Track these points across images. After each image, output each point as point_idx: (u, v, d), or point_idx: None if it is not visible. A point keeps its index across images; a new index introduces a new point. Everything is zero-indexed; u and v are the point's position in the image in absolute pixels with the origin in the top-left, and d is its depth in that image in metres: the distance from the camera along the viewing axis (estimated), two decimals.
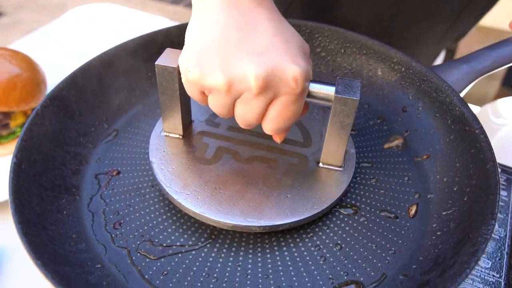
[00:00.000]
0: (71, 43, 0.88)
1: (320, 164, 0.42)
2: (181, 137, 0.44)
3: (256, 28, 0.33)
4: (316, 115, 0.47)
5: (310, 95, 0.36)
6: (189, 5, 2.63)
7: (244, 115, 0.35)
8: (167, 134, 0.44)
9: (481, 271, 0.41)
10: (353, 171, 0.41)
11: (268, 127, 0.36)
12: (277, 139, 0.40)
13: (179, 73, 0.38)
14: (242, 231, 0.38)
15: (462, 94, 0.48)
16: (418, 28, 0.73)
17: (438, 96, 0.46)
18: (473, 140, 0.41)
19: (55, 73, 0.72)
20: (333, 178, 0.41)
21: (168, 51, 0.39)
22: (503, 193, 0.48)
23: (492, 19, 1.51)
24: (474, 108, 0.71)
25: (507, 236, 0.44)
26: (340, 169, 0.41)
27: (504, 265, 0.42)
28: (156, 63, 0.38)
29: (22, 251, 0.48)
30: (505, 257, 0.43)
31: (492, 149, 0.39)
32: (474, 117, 0.42)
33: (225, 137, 0.44)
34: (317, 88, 0.36)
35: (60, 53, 0.84)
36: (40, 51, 0.83)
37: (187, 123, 0.45)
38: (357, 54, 0.53)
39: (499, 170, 0.50)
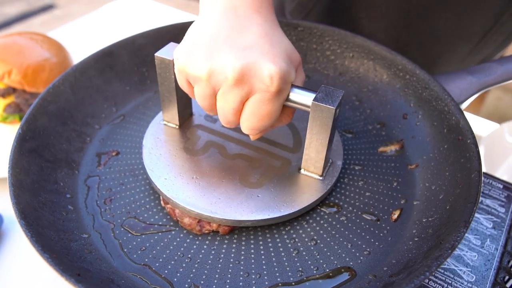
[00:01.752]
0: (104, 34, 0.92)
1: (302, 171, 0.42)
2: (177, 127, 0.46)
3: (246, 29, 0.36)
4: None
5: (289, 99, 0.37)
6: None
7: (223, 109, 0.36)
8: (166, 123, 0.47)
9: (464, 284, 0.41)
10: (333, 182, 0.41)
11: (244, 125, 0.37)
12: (250, 136, 0.40)
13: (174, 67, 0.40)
14: (206, 220, 0.39)
15: (464, 105, 0.47)
16: (438, 47, 0.72)
17: (437, 104, 0.45)
18: (464, 149, 0.40)
19: None
20: (309, 185, 0.41)
21: (170, 45, 0.42)
22: (500, 209, 0.47)
23: None
24: (494, 126, 0.69)
25: (497, 253, 0.43)
26: (320, 178, 0.41)
27: (489, 282, 0.41)
28: (155, 54, 0.41)
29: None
30: (492, 273, 0.42)
31: (480, 160, 0.38)
32: (469, 127, 0.41)
33: (218, 133, 0.46)
34: (296, 93, 0.37)
35: (92, 43, 0.88)
36: (74, 40, 0.88)
37: (186, 115, 0.47)
38: (365, 59, 0.53)
39: (501, 186, 0.49)
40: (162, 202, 0.41)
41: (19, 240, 0.50)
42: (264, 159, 0.43)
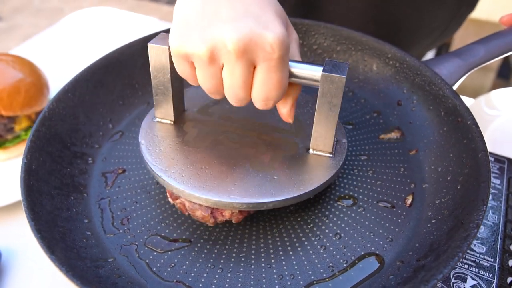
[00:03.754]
0: (70, 47, 0.89)
1: (310, 151, 0.42)
2: (172, 123, 0.44)
3: None
4: (310, 109, 0.48)
5: (297, 76, 0.36)
6: None
7: (232, 85, 0.35)
8: (159, 120, 0.45)
9: (476, 256, 0.43)
10: (344, 159, 0.41)
11: (257, 98, 0.36)
12: (288, 118, 0.39)
13: (170, 55, 0.38)
14: (224, 208, 0.38)
15: (455, 87, 0.49)
16: (403, 38, 0.76)
17: (431, 89, 0.47)
18: (465, 130, 0.42)
19: (56, 77, 0.73)
20: (322, 163, 0.41)
21: (161, 35, 0.40)
22: (496, 181, 0.50)
23: (487, 12, 1.53)
24: (469, 100, 0.73)
25: (501, 222, 0.46)
26: (330, 155, 0.41)
27: (498, 250, 0.43)
28: (148, 44, 0.39)
29: (31, 251, 0.50)
30: (499, 242, 0.44)
31: (484, 139, 0.40)
32: (466, 108, 0.43)
33: (217, 125, 0.45)
34: (303, 69, 0.36)
35: (60, 57, 0.85)
36: (41, 56, 0.85)
37: (179, 111, 0.45)
38: (353, 51, 0.55)
39: (492, 159, 0.52)
40: (170, 199, 0.40)
41: (19, 274, 0.48)
42: (270, 144, 0.42)
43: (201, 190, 0.37)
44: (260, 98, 0.36)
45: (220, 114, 0.46)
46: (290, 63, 0.36)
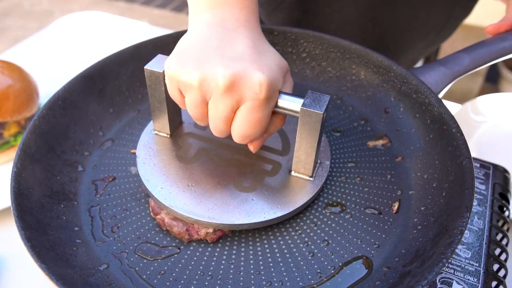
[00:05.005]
0: (60, 52, 0.89)
1: (292, 173, 0.43)
2: (168, 136, 0.47)
3: (234, 40, 0.37)
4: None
5: (278, 106, 0.38)
6: (175, 9, 2.64)
7: (214, 117, 0.37)
8: (157, 132, 0.47)
9: (462, 261, 0.44)
10: (323, 182, 0.43)
11: (236, 134, 0.38)
12: (251, 147, 0.42)
13: (165, 78, 0.41)
14: (204, 226, 0.40)
15: (440, 95, 0.50)
16: (400, 40, 0.77)
17: (417, 97, 0.48)
18: (450, 138, 0.43)
19: (45, 82, 0.73)
20: (300, 187, 0.42)
21: (158, 57, 0.42)
22: (481, 187, 0.51)
23: (475, 17, 1.55)
24: (456, 106, 0.74)
25: (486, 228, 0.47)
26: (310, 179, 0.43)
27: (483, 255, 0.44)
28: (145, 67, 0.41)
29: (20, 258, 0.50)
30: (484, 247, 0.45)
31: (468, 147, 0.41)
32: (451, 116, 0.44)
33: (209, 140, 0.47)
34: (285, 100, 0.38)
35: (50, 62, 0.85)
36: (30, 60, 0.85)
37: (176, 124, 0.47)
38: (341, 59, 0.56)
39: (478, 165, 0.53)
40: (152, 213, 0.42)
41: (9, 282, 0.48)
42: (255, 164, 0.44)
43: (184, 208, 0.40)
44: (238, 134, 0.38)
45: None
46: (280, 94, 0.38)
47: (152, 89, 0.43)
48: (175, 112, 0.46)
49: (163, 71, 0.40)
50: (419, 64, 0.95)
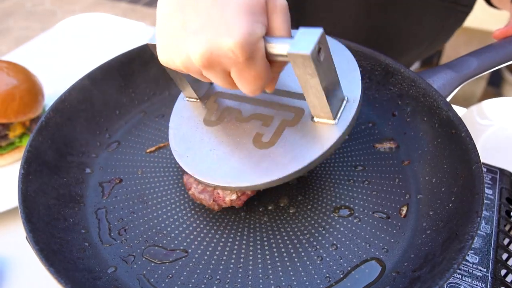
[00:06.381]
0: (64, 53, 0.89)
1: (314, 119, 0.39)
2: (198, 100, 0.46)
3: (195, 6, 0.34)
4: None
5: (269, 54, 0.34)
6: None
7: (217, 83, 0.36)
8: (188, 99, 0.46)
9: (469, 266, 0.43)
10: (346, 126, 0.37)
11: (244, 90, 0.36)
12: (267, 90, 0.39)
13: None
14: (226, 191, 0.40)
15: (448, 99, 0.50)
16: (395, 47, 0.78)
17: (425, 100, 0.48)
18: (459, 142, 0.43)
19: (51, 83, 0.73)
20: (321, 134, 0.38)
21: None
22: (488, 191, 0.51)
23: (478, 20, 1.55)
24: (461, 110, 0.74)
25: (493, 233, 0.47)
26: (333, 122, 0.37)
27: (491, 260, 0.44)
28: (147, 43, 0.40)
29: (24, 259, 0.50)
30: (492, 252, 0.45)
31: (477, 151, 0.41)
32: (460, 120, 0.44)
33: (235, 96, 0.44)
34: (271, 46, 0.33)
35: (54, 63, 0.85)
36: (35, 62, 0.84)
37: (205, 86, 0.46)
38: None
39: (485, 169, 0.53)
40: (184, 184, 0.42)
41: (15, 283, 0.48)
42: (277, 114, 0.41)
43: (203, 174, 0.39)
44: (245, 91, 0.36)
45: None
46: (266, 39, 0.33)
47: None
48: (195, 78, 0.42)
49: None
50: (415, 66, 0.95)
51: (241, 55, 0.32)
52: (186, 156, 0.41)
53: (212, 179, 0.39)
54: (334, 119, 0.38)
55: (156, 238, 0.41)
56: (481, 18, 1.49)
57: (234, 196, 0.40)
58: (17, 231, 0.53)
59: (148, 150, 0.49)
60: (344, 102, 0.39)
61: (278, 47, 0.33)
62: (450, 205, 0.40)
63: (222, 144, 0.41)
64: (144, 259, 0.39)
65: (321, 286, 0.37)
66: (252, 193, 0.41)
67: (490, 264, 0.44)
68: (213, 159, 0.40)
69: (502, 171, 0.53)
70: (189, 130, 0.43)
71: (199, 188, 0.41)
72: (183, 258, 0.39)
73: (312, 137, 0.38)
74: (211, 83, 0.47)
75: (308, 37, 0.32)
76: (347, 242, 0.40)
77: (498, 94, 1.75)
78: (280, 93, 0.43)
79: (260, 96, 0.43)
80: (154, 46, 0.39)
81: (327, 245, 0.40)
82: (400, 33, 0.75)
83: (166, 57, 0.36)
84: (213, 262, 0.39)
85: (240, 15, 0.32)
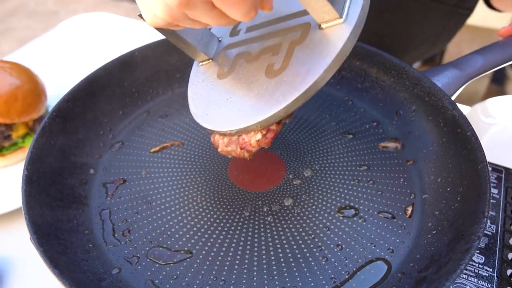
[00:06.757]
0: (67, 53, 0.89)
1: (322, 25, 0.35)
2: (210, 60, 0.44)
3: None
4: None
5: None
6: None
7: (208, 21, 0.33)
8: (201, 63, 0.44)
9: (475, 266, 0.43)
10: (356, 18, 0.33)
11: (238, 18, 0.33)
12: (265, 10, 0.35)
13: None
14: (249, 133, 0.37)
15: (453, 97, 0.50)
16: (395, 48, 0.78)
17: (430, 99, 0.48)
18: (464, 141, 0.43)
19: (53, 83, 0.73)
20: (331, 36, 0.35)
21: None
22: (494, 191, 0.50)
23: (481, 18, 1.54)
24: (464, 108, 0.73)
25: (499, 232, 0.46)
26: (341, 20, 0.34)
27: (497, 260, 0.44)
28: (138, 14, 0.38)
29: (27, 260, 0.50)
30: (497, 252, 0.45)
31: (483, 150, 0.41)
32: (465, 119, 0.44)
33: (243, 41, 0.43)
34: None
35: (57, 63, 0.85)
36: (38, 62, 0.84)
37: (213, 45, 0.44)
38: (352, 60, 0.55)
39: (490, 169, 0.53)
40: (214, 146, 0.41)
41: (17, 284, 0.48)
42: (284, 39, 0.38)
43: (224, 124, 0.37)
44: (239, 17, 0.33)
45: (246, 26, 0.43)
46: None
47: (160, 30, 0.39)
48: (200, 39, 0.43)
49: None
50: (416, 65, 0.95)
51: None
52: (206, 114, 0.39)
53: (232, 125, 0.37)
54: (341, 16, 0.34)
55: (160, 239, 0.41)
56: (484, 16, 1.48)
57: (259, 136, 0.37)
58: (21, 231, 0.53)
59: (152, 150, 0.49)
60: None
61: None
62: (456, 205, 0.40)
63: (236, 90, 0.39)
64: (148, 260, 0.39)
65: (327, 287, 0.37)
66: (277, 127, 0.37)
67: (496, 264, 0.44)
68: (231, 107, 0.38)
69: (508, 170, 0.53)
70: (206, 90, 0.41)
71: (225, 141, 0.39)
72: (188, 259, 0.39)
73: (323, 43, 0.35)
74: (220, 40, 0.45)
75: None
76: (352, 243, 0.40)
77: (502, 91, 1.74)
78: (281, 20, 0.40)
79: (264, 29, 0.41)
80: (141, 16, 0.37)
81: (332, 246, 0.40)
82: (402, 35, 0.75)
83: (151, 15, 0.34)
84: (217, 263, 0.39)
85: None
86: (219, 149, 0.40)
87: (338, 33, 0.34)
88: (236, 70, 0.40)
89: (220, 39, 0.45)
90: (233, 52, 0.42)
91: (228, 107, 0.38)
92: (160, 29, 0.39)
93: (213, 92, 0.40)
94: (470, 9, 0.75)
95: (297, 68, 0.35)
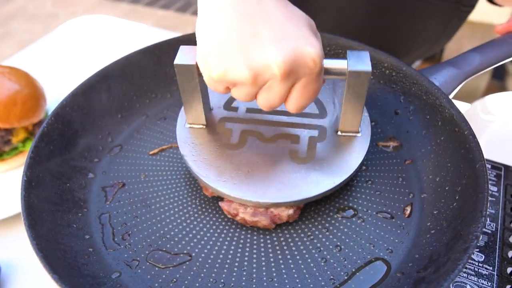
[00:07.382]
0: (66, 57, 0.89)
1: (339, 133, 0.44)
2: (204, 126, 0.45)
3: (267, 19, 0.34)
4: (326, 84, 0.49)
5: (326, 71, 0.38)
6: (179, 9, 2.64)
7: (268, 100, 0.36)
8: (191, 125, 0.45)
9: (475, 264, 0.43)
10: (370, 132, 0.44)
11: (292, 107, 0.37)
12: (293, 111, 0.39)
13: (198, 69, 0.38)
14: (280, 207, 0.40)
15: (451, 96, 0.49)
16: (397, 48, 0.78)
17: (428, 98, 0.48)
18: (462, 140, 0.43)
19: (52, 87, 0.73)
20: (354, 143, 0.43)
21: (183, 49, 0.40)
22: (493, 188, 0.50)
23: (480, 13, 1.54)
24: (464, 105, 0.73)
25: (499, 230, 0.46)
26: (358, 134, 0.43)
27: (497, 258, 0.44)
28: (175, 63, 0.39)
29: (28, 265, 0.50)
30: (497, 250, 0.45)
31: (481, 149, 0.41)
32: (463, 118, 0.44)
33: (246, 120, 0.45)
34: (331, 65, 0.38)
35: (56, 67, 0.85)
36: (36, 65, 0.85)
37: (208, 113, 0.45)
38: None
39: (489, 166, 0.53)
40: (229, 215, 0.41)
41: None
42: (301, 133, 0.44)
43: (255, 195, 0.39)
44: (295, 107, 0.37)
45: (245, 106, 0.47)
46: None
47: (184, 84, 0.40)
48: (206, 102, 0.44)
49: (196, 63, 0.38)
50: (417, 63, 0.95)
51: (319, 65, 0.34)
52: (223, 181, 0.40)
53: (268, 198, 0.39)
54: (359, 131, 0.44)
55: (160, 242, 0.41)
56: (484, 11, 1.48)
57: (291, 211, 0.40)
58: (20, 236, 0.53)
59: (151, 152, 0.49)
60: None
61: (338, 65, 0.38)
62: (454, 204, 0.40)
63: (258, 165, 0.41)
64: (148, 263, 0.39)
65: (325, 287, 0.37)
66: (302, 205, 0.41)
67: (496, 262, 0.44)
68: (256, 180, 0.40)
69: (507, 168, 0.53)
70: (211, 156, 0.42)
71: (248, 211, 0.40)
72: (187, 262, 0.39)
73: (347, 146, 0.43)
74: (211, 109, 0.47)
75: (361, 56, 0.38)
76: (351, 243, 0.40)
77: (502, 87, 1.73)
78: (291, 115, 0.46)
79: (273, 118, 0.45)
80: (194, 66, 0.38)
81: (330, 247, 0.40)
82: (403, 34, 0.75)
83: (224, 67, 0.34)
84: (217, 265, 0.39)
85: (311, 33, 0.35)
86: (239, 218, 0.41)
87: (359, 142, 0.43)
88: (249, 146, 0.43)
89: (211, 108, 0.47)
90: (237, 127, 0.45)
91: (253, 180, 0.40)
92: (186, 93, 0.41)
93: (224, 160, 0.42)
94: (471, 6, 0.75)
95: (327, 161, 0.42)
